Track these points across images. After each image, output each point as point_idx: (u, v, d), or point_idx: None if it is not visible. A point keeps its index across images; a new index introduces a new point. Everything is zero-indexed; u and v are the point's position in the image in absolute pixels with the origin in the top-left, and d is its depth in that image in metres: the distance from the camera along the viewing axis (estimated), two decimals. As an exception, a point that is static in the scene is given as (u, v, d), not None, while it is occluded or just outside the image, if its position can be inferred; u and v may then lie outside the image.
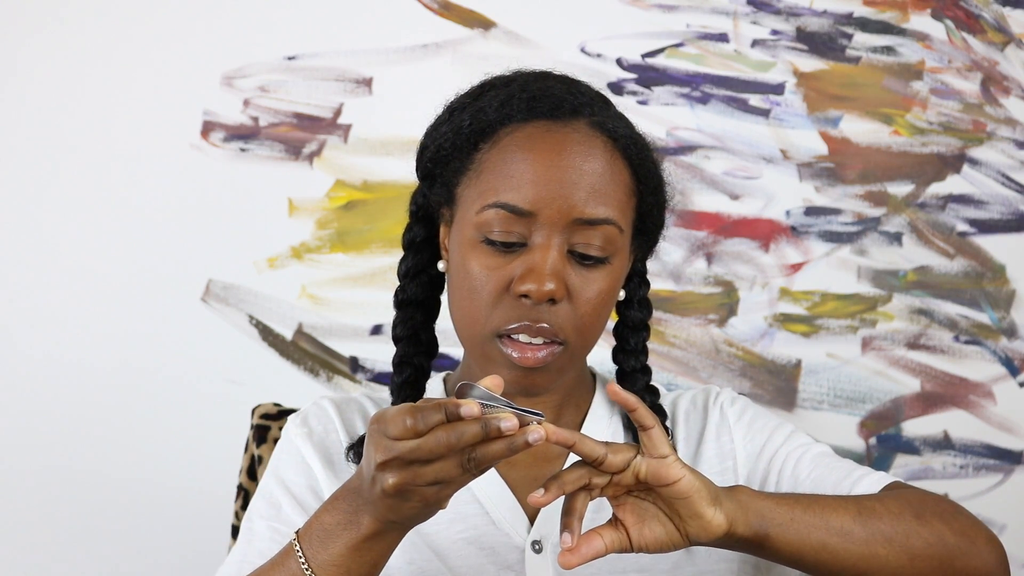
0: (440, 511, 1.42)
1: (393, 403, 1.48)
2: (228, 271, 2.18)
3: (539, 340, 1.39)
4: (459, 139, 1.43)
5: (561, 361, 1.40)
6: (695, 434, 1.53)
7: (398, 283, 1.51)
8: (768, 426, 1.52)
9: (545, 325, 1.38)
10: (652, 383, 1.54)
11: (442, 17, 2.20)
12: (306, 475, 1.47)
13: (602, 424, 1.51)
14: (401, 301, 1.51)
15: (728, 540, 1.30)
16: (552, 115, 1.42)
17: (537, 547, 1.44)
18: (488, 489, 1.46)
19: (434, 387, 1.53)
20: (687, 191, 2.21)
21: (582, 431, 1.49)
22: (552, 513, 1.45)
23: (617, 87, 2.20)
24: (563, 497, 1.43)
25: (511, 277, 1.39)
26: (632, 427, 1.51)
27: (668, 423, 1.53)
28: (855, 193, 2.21)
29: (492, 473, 1.47)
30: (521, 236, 1.39)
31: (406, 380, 1.49)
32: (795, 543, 1.32)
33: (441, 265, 1.48)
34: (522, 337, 1.39)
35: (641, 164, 1.44)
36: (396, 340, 1.51)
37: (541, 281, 1.37)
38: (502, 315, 1.39)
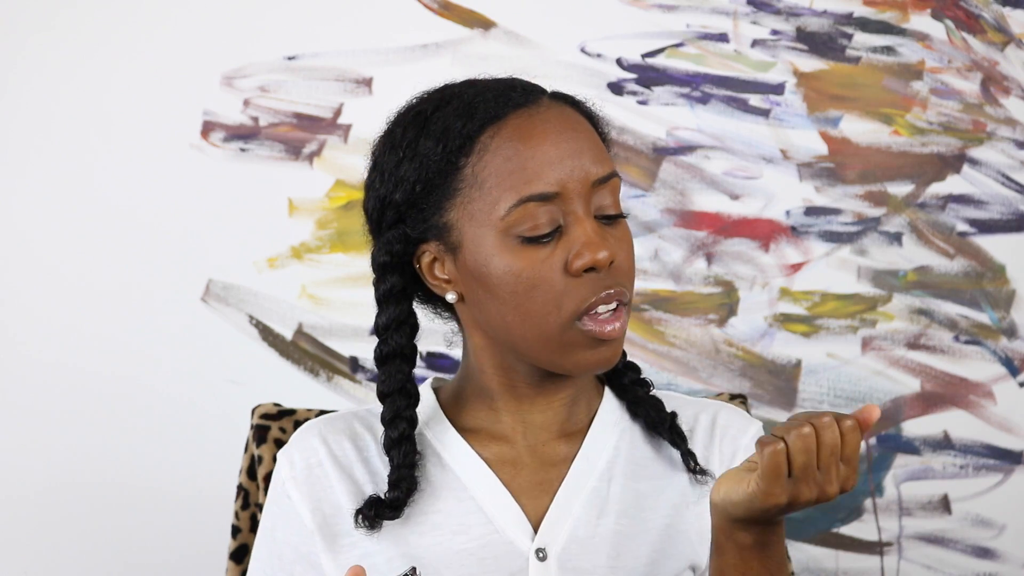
0: (443, 521, 1.42)
1: (392, 460, 1.45)
2: (228, 271, 2.18)
3: (612, 305, 1.40)
4: (434, 166, 1.41)
5: (627, 321, 1.42)
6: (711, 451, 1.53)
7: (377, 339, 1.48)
8: None
9: (612, 290, 1.39)
10: (644, 377, 1.54)
11: (442, 17, 2.20)
12: (298, 532, 1.46)
13: (609, 425, 1.51)
14: (385, 355, 1.47)
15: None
16: (524, 102, 1.42)
17: (541, 555, 1.43)
18: (492, 497, 1.46)
19: (426, 399, 1.51)
20: (687, 191, 2.21)
21: (590, 431, 1.50)
22: (555, 521, 1.45)
23: (617, 87, 2.20)
24: (565, 505, 1.45)
25: (564, 259, 1.39)
26: (648, 422, 1.51)
27: (680, 423, 1.52)
28: (855, 193, 2.21)
29: (495, 481, 1.46)
30: (553, 220, 1.39)
31: (402, 435, 1.45)
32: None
33: (450, 296, 1.45)
34: (601, 309, 1.39)
35: (590, 117, 1.46)
36: (383, 396, 1.47)
37: (596, 250, 1.38)
38: (576, 296, 1.39)
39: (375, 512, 1.43)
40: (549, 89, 1.46)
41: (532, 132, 1.41)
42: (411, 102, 1.47)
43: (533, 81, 1.48)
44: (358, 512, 1.44)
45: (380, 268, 1.46)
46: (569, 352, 1.41)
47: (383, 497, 1.43)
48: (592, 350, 1.40)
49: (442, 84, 1.48)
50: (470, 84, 1.46)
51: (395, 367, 1.47)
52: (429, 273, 1.45)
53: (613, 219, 1.42)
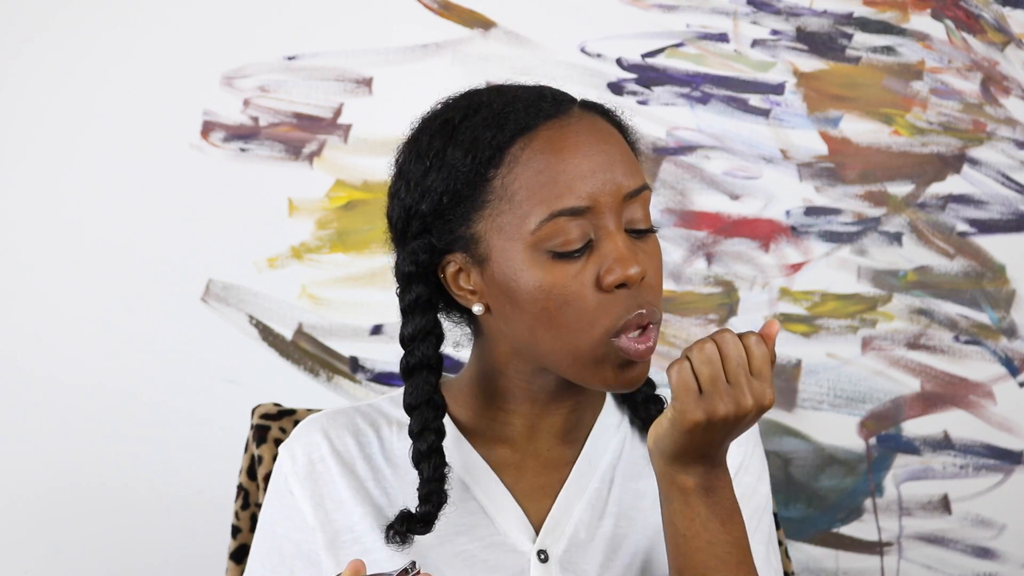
0: (445, 522, 1.42)
1: (421, 473, 1.44)
2: (228, 271, 2.18)
3: (645, 325, 1.39)
4: (463, 178, 1.39)
5: (656, 341, 1.41)
6: None
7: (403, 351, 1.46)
8: (752, 521, 1.50)
9: (645, 311, 1.38)
10: (658, 393, 1.54)
11: (442, 17, 2.20)
12: (299, 528, 1.46)
13: (610, 432, 1.51)
14: (412, 366, 1.45)
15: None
16: (555, 112, 1.41)
17: (543, 556, 1.43)
18: (495, 499, 1.45)
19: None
20: (687, 191, 2.21)
21: (592, 434, 1.49)
22: (556, 523, 1.45)
23: (617, 87, 2.20)
24: (566, 507, 1.45)
25: (595, 275, 1.38)
26: (645, 429, 1.51)
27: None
28: (855, 193, 2.21)
29: (498, 483, 1.46)
30: (584, 235, 1.38)
31: (431, 447, 1.44)
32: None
33: (477, 308, 1.43)
34: (634, 334, 1.38)
35: (620, 127, 1.46)
36: (410, 408, 1.45)
37: (627, 266, 1.37)
38: (611, 314, 1.38)
39: (407, 527, 1.42)
40: (579, 98, 1.45)
41: (563, 144, 1.39)
42: (437, 109, 1.45)
43: (563, 90, 1.46)
44: (389, 528, 1.42)
45: (405, 278, 1.44)
46: (598, 369, 1.39)
47: (414, 512, 1.42)
48: (622, 369, 1.39)
49: (468, 90, 1.46)
50: (498, 92, 1.44)
51: (422, 378, 1.45)
52: (454, 284, 1.43)
53: (643, 233, 1.40)
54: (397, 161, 1.46)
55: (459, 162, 1.40)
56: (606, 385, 1.40)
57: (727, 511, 1.36)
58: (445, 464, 1.43)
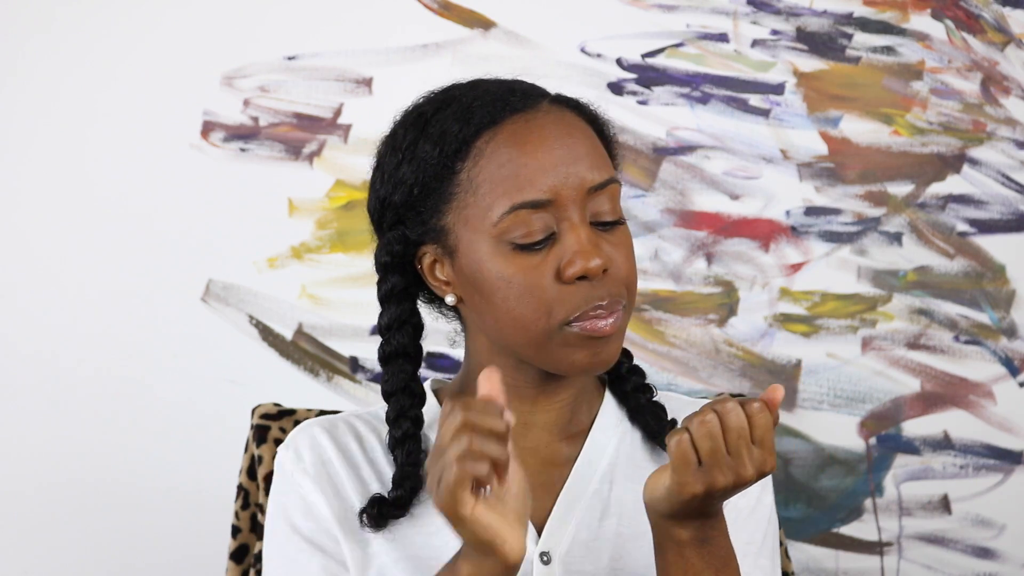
0: (446, 523, 1.42)
1: (396, 459, 1.46)
2: (228, 271, 2.18)
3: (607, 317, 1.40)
4: (431, 170, 1.41)
5: (625, 321, 1.42)
6: None
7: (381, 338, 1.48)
8: (756, 535, 1.50)
9: (605, 302, 1.39)
10: (648, 383, 1.54)
11: (442, 17, 2.20)
12: (314, 518, 1.46)
13: (610, 429, 1.51)
14: (388, 354, 1.47)
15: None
16: (521, 107, 1.42)
17: (545, 559, 1.43)
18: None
19: (427, 401, 1.50)
20: (687, 191, 2.21)
21: (591, 433, 1.50)
22: (558, 524, 1.45)
23: (617, 87, 2.20)
24: (567, 507, 1.45)
25: (556, 267, 1.39)
26: (647, 431, 1.51)
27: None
28: (855, 193, 2.21)
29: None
30: (547, 227, 1.39)
31: (406, 434, 1.46)
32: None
33: (449, 299, 1.45)
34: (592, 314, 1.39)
35: (594, 121, 1.46)
36: (387, 395, 1.47)
37: (588, 258, 1.38)
38: (568, 304, 1.38)
39: (379, 511, 1.43)
40: (553, 92, 1.46)
41: (527, 138, 1.40)
42: (416, 102, 1.47)
43: (537, 83, 1.47)
44: (362, 511, 1.43)
45: (382, 268, 1.46)
46: (564, 353, 1.40)
47: (387, 496, 1.43)
48: (587, 349, 1.40)
49: (448, 84, 1.48)
50: (472, 86, 1.46)
51: (398, 367, 1.46)
52: (430, 274, 1.45)
53: (610, 225, 1.41)
54: (377, 153, 1.48)
55: (428, 155, 1.42)
56: (574, 368, 1.41)
57: (721, 560, 1.37)
58: (420, 450, 1.45)
